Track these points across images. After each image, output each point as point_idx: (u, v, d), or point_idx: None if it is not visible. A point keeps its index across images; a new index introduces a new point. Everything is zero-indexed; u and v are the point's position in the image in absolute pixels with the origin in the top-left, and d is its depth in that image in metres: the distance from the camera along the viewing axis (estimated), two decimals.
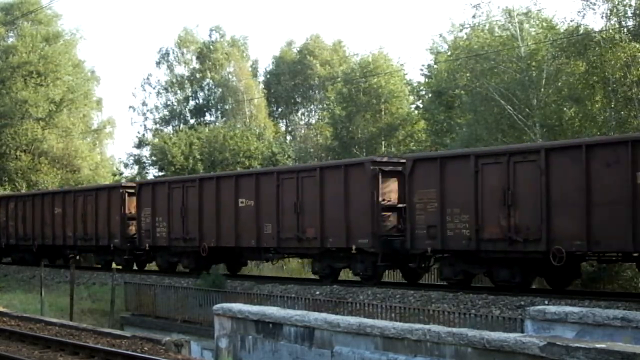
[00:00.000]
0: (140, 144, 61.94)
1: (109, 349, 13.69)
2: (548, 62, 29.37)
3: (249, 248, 24.54)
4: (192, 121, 62.89)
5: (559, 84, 29.38)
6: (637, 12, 26.49)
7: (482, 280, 21.88)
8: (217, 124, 58.87)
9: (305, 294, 20.29)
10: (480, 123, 30.93)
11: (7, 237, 35.59)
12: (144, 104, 66.16)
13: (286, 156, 48.22)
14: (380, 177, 20.67)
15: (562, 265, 17.27)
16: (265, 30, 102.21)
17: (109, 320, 22.29)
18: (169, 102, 65.10)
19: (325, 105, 54.80)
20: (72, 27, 66.63)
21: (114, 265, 30.36)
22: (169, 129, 62.31)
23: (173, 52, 65.24)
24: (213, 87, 63.74)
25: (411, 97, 47.28)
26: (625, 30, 26.46)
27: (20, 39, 52.56)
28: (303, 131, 62.98)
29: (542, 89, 29.23)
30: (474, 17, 33.51)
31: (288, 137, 62.54)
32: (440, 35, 45.75)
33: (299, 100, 64.62)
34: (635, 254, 16.91)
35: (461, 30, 37.56)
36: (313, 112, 64.62)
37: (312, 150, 52.88)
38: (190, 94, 64.73)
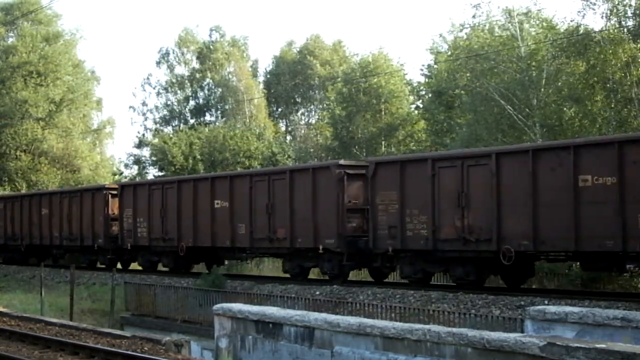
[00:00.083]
0: (140, 144, 61.97)
1: (109, 349, 13.69)
2: (548, 62, 29.39)
3: (224, 248, 25.38)
4: (192, 121, 62.91)
5: (559, 84, 29.39)
6: (637, 12, 26.49)
7: (442, 279, 23.27)
8: (217, 124, 58.87)
9: (305, 294, 20.30)
10: (480, 123, 30.95)
11: None
12: (144, 104, 66.35)
13: (286, 156, 48.19)
14: (345, 180, 21.50)
15: (515, 264, 18.14)
16: (265, 30, 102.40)
17: (109, 320, 22.29)
18: (169, 102, 65.16)
19: (325, 105, 54.81)
20: (72, 27, 66.92)
21: (98, 264, 31.39)
22: (169, 129, 62.35)
23: (173, 52, 65.35)
24: (213, 87, 63.77)
25: (411, 97, 47.30)
26: (625, 30, 26.48)
27: (20, 39, 52.58)
28: (303, 131, 62.99)
29: (542, 89, 29.24)
30: (474, 17, 33.62)
31: (288, 137, 62.53)
32: (440, 35, 45.88)
33: (299, 100, 64.63)
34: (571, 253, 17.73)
35: (461, 30, 37.64)
36: (313, 112, 64.69)
37: (312, 150, 52.89)
38: (190, 94, 64.75)
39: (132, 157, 59.27)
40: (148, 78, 65.97)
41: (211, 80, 63.71)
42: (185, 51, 65.32)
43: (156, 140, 53.36)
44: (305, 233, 22.25)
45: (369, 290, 20.21)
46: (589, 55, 26.75)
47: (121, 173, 57.91)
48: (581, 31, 27.49)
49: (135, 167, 57.61)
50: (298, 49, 63.91)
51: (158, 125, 64.71)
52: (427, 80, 46.22)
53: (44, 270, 26.07)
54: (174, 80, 65.05)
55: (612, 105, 27.04)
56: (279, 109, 65.14)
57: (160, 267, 28.98)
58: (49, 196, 33.52)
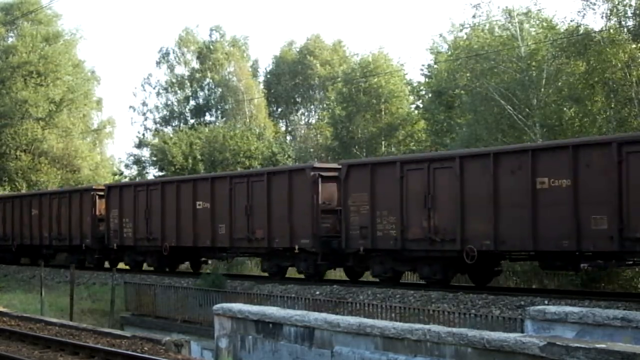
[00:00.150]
0: (140, 144, 61.95)
1: (109, 349, 13.69)
2: (548, 62, 29.37)
3: (205, 247, 26.15)
4: (192, 121, 62.85)
5: (559, 84, 29.37)
6: (637, 12, 26.48)
7: (412, 277, 23.85)
8: (217, 124, 58.80)
9: (305, 294, 20.32)
10: (480, 123, 30.93)
11: None
12: (144, 104, 66.30)
13: (286, 156, 48.16)
14: (320, 182, 22.18)
15: (479, 264, 18.88)
16: (266, 30, 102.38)
17: (109, 320, 22.29)
18: (169, 102, 65.13)
19: (325, 105, 54.80)
20: (72, 27, 66.78)
21: (86, 264, 31.81)
22: (169, 129, 62.30)
23: (173, 52, 65.32)
24: (213, 87, 63.73)
25: (411, 97, 47.26)
26: (625, 30, 26.47)
27: (20, 39, 52.57)
28: (303, 131, 62.95)
29: (542, 89, 29.23)
30: (474, 17, 33.57)
31: (288, 137, 62.47)
32: (440, 35, 45.80)
33: (299, 100, 64.56)
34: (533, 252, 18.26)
35: (461, 30, 37.60)
36: (313, 112, 64.61)
37: (312, 150, 52.87)
38: (190, 94, 64.71)
39: (132, 157, 59.32)
40: (148, 78, 66.07)
41: (211, 80, 63.67)
42: (186, 51, 65.30)
43: (156, 140, 53.33)
44: (282, 233, 22.92)
45: (369, 290, 20.23)
46: (589, 56, 26.74)
47: (121, 173, 57.89)
48: (581, 31, 27.48)
49: (135, 167, 57.65)
50: (298, 49, 63.83)
51: (158, 125, 64.71)
52: (427, 80, 46.19)
53: (44, 270, 26.07)
54: (174, 80, 65.03)
55: (612, 105, 27.04)
56: (279, 109, 65.09)
57: (145, 267, 29.54)
58: (39, 197, 34.25)
